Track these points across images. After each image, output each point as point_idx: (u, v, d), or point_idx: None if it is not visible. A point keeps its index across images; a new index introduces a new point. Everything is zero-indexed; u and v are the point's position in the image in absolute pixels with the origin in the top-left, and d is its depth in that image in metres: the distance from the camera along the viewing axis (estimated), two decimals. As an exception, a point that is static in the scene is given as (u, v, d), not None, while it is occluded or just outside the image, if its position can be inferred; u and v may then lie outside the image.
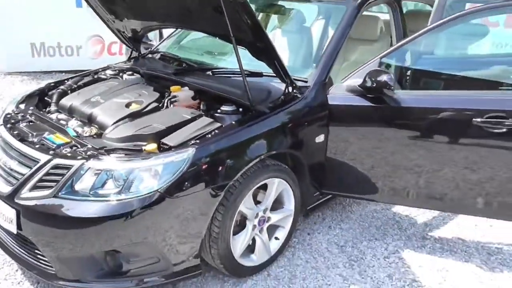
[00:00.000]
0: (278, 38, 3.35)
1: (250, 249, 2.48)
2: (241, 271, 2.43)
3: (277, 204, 2.56)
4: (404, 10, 3.78)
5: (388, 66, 2.69)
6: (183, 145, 2.13)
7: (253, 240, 2.47)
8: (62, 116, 2.57)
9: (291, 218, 2.60)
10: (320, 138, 2.61)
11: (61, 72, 6.22)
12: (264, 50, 2.45)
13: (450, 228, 3.02)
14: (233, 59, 2.65)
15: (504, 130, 2.32)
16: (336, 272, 2.56)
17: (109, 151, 2.13)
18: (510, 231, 2.98)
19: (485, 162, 2.44)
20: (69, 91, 2.84)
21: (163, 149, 2.14)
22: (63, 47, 6.37)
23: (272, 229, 2.58)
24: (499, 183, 2.45)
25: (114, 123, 2.34)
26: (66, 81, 3.02)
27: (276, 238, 2.60)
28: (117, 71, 3.13)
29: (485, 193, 2.49)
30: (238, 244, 2.35)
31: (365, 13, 3.25)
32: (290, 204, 2.58)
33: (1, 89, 5.63)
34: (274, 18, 3.55)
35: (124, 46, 6.46)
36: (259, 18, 3.53)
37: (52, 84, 3.01)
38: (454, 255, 2.75)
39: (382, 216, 3.13)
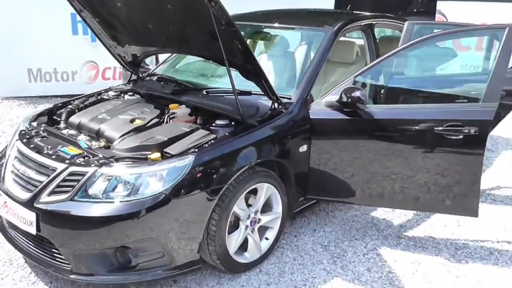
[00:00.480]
0: (266, 61, 3.70)
1: (243, 248, 2.77)
2: (235, 267, 2.71)
3: (267, 207, 2.86)
4: (379, 36, 4.22)
5: (362, 84, 3.05)
6: (183, 153, 2.44)
7: (246, 240, 2.76)
8: (72, 131, 2.87)
9: (279, 220, 2.90)
10: (304, 148, 2.94)
11: (57, 96, 6.49)
12: (253, 72, 2.79)
13: (422, 228, 3.34)
14: (224, 80, 3.01)
15: (461, 137, 2.68)
16: (320, 267, 2.85)
17: (119, 159, 2.43)
18: (476, 229, 3.32)
19: (450, 166, 2.80)
20: (76, 110, 3.14)
21: (166, 157, 2.44)
22: (59, 73, 6.63)
23: (262, 230, 2.88)
24: (461, 184, 2.80)
25: (121, 136, 2.65)
26: (72, 101, 3.33)
27: (266, 238, 2.89)
28: (119, 92, 3.44)
29: (452, 195, 2.84)
30: (233, 242, 2.64)
31: (342, 39, 3.65)
32: (278, 207, 2.88)
33: (0, 112, 5.88)
34: (261, 44, 3.92)
35: (117, 72, 6.82)
36: (248, 43, 3.91)
37: (59, 104, 3.31)
38: (425, 250, 3.07)
39: (362, 220, 3.45)
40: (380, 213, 3.54)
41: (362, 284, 2.71)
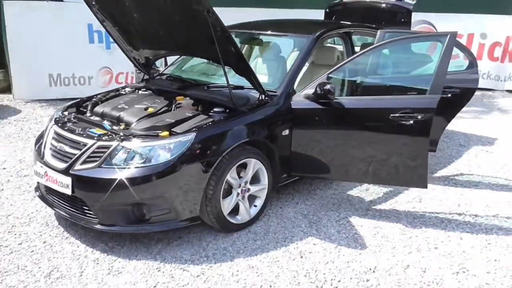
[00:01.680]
0: (258, 62, 4.39)
1: (236, 212, 3.40)
2: (228, 226, 3.34)
3: (255, 180, 3.49)
4: (362, 43, 4.88)
5: (334, 80, 3.70)
6: (187, 131, 3.09)
7: (238, 206, 3.39)
8: (96, 118, 3.53)
9: (265, 190, 3.53)
10: (286, 132, 3.58)
11: (75, 99, 7.13)
12: (244, 69, 3.45)
13: (389, 203, 3.95)
14: (221, 77, 3.66)
15: (411, 122, 3.31)
16: (299, 229, 3.47)
17: (136, 136, 3.09)
18: (434, 204, 3.93)
19: (402, 146, 3.43)
20: (99, 102, 3.81)
21: (173, 134, 3.09)
22: (76, 78, 7.31)
23: (252, 199, 3.51)
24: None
25: (137, 120, 3.31)
26: (95, 96, 4.00)
27: (255, 206, 3.52)
28: (134, 88, 4.11)
29: (406, 170, 3.47)
30: (226, 205, 3.27)
31: (326, 45, 4.32)
32: (264, 179, 3.51)
33: (25, 113, 6.58)
34: (255, 48, 4.60)
35: (129, 76, 7.52)
36: (244, 48, 4.60)
37: (84, 99, 3.98)
38: (388, 219, 3.68)
39: (338, 196, 4.06)
40: (355, 191, 4.16)
41: (332, 242, 3.33)
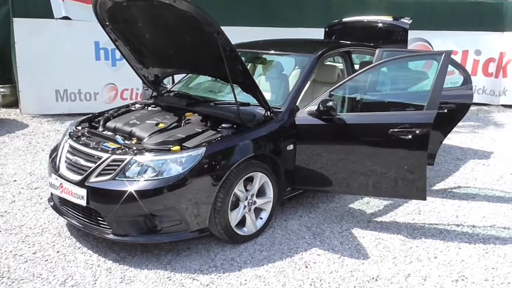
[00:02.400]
0: (263, 80, 4.57)
1: (242, 224, 3.53)
2: (235, 237, 3.46)
3: (261, 193, 3.63)
4: (361, 61, 5.07)
5: (336, 97, 3.87)
6: (197, 146, 3.24)
7: (245, 218, 3.53)
8: (109, 133, 3.68)
9: (271, 203, 3.68)
10: (290, 147, 3.73)
11: (81, 114, 7.25)
12: (251, 87, 3.62)
13: (389, 216, 4.09)
14: (229, 94, 3.82)
15: (410, 136, 3.48)
16: (303, 241, 3.61)
17: (148, 150, 3.24)
18: (433, 216, 4.07)
19: (402, 159, 3.58)
20: (111, 117, 3.96)
21: (184, 149, 3.25)
22: (82, 93, 7.49)
23: (258, 211, 3.65)
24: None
25: (149, 135, 3.46)
26: (107, 111, 4.16)
27: (261, 218, 3.66)
28: (144, 105, 4.28)
29: (405, 182, 3.62)
30: (233, 216, 3.41)
31: (327, 63, 4.51)
32: (270, 193, 3.65)
33: (33, 127, 6.74)
34: (260, 66, 4.78)
35: (134, 93, 7.70)
36: (250, 66, 4.79)
37: (96, 114, 4.14)
38: (388, 230, 3.81)
39: (341, 209, 4.20)
40: (356, 204, 4.30)
41: (335, 252, 3.46)
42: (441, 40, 9.26)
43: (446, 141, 6.44)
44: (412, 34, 8.99)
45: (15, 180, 4.71)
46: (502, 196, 4.61)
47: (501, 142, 6.60)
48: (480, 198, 4.52)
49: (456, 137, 6.73)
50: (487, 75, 9.38)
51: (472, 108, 8.97)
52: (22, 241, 3.51)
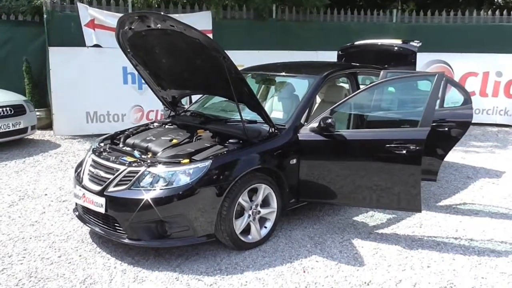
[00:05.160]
0: (271, 99, 4.89)
1: (247, 232, 3.81)
2: (240, 244, 3.73)
3: (266, 204, 3.91)
4: (370, 82, 5.33)
5: (338, 114, 4.14)
6: (205, 159, 3.57)
7: (250, 226, 3.80)
8: (128, 148, 4.06)
9: (275, 213, 3.94)
10: (294, 161, 4.01)
11: (109, 134, 7.82)
12: (255, 106, 3.95)
13: (390, 228, 4.28)
14: (237, 113, 4.15)
15: (404, 152, 3.70)
16: (304, 249, 3.84)
17: (161, 163, 3.59)
18: (433, 229, 4.23)
19: (397, 174, 3.80)
20: (131, 135, 4.35)
21: (192, 161, 3.57)
22: (111, 115, 8.02)
23: (262, 221, 3.92)
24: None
25: (163, 149, 3.81)
26: (127, 130, 4.55)
27: (265, 227, 3.92)
28: (161, 123, 4.66)
29: (401, 195, 3.83)
30: (238, 224, 3.69)
31: (335, 84, 4.81)
32: (274, 203, 3.92)
33: (64, 147, 7.26)
34: (269, 87, 5.12)
35: (159, 114, 8.15)
36: (259, 87, 5.14)
37: (118, 132, 4.54)
38: (387, 241, 4.00)
39: (344, 222, 4.41)
40: (360, 217, 4.51)
41: (333, 259, 3.68)
42: (462, 62, 9.40)
43: (459, 160, 6.59)
44: (432, 56, 9.32)
45: (46, 194, 5.15)
46: (505, 213, 4.71)
47: (516, 161, 6.66)
48: (483, 214, 4.64)
49: (471, 157, 6.83)
50: (509, 96, 9.41)
51: (492, 129, 9.10)
52: (49, 247, 3.88)
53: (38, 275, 3.44)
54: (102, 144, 4.22)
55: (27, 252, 3.77)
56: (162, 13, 4.38)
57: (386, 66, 5.29)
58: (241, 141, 3.86)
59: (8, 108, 6.96)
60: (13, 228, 4.23)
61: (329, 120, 3.84)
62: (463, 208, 4.81)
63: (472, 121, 5.22)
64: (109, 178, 3.62)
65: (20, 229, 4.22)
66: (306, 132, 4.05)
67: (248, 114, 4.14)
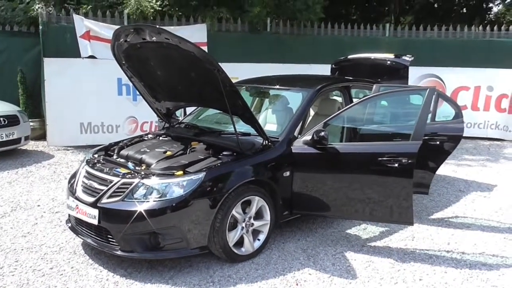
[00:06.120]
0: (265, 112, 4.93)
1: (241, 245, 3.81)
2: (233, 256, 3.73)
3: (259, 216, 3.92)
4: (363, 95, 5.38)
5: (331, 127, 4.17)
6: (198, 171, 3.58)
7: (243, 239, 3.81)
8: (122, 160, 4.07)
9: (268, 226, 3.95)
10: (287, 174, 4.03)
11: (103, 145, 7.81)
12: (249, 118, 3.98)
13: (383, 241, 4.29)
14: (231, 126, 4.19)
15: (396, 164, 3.74)
16: (297, 262, 3.85)
17: (154, 175, 3.59)
18: (426, 242, 4.25)
19: (389, 186, 3.83)
20: (125, 146, 4.36)
21: (186, 173, 3.59)
22: (105, 126, 8.01)
23: (256, 233, 3.92)
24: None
25: (157, 161, 3.82)
26: (121, 141, 4.56)
27: (258, 239, 3.93)
28: (155, 135, 4.67)
29: (393, 208, 3.85)
30: (231, 237, 3.69)
31: (328, 97, 4.85)
32: (267, 216, 3.93)
33: (58, 158, 7.25)
34: (262, 100, 5.16)
35: (153, 125, 8.16)
36: (253, 100, 5.18)
37: (112, 143, 4.55)
38: (380, 254, 4.01)
39: (337, 234, 4.43)
40: (353, 230, 4.52)
41: (326, 272, 3.68)
42: (454, 76, 9.52)
43: (451, 173, 6.64)
44: (424, 70, 9.43)
45: (38, 205, 5.13)
46: (497, 226, 4.75)
47: (507, 175, 6.71)
48: (475, 228, 4.68)
49: (463, 170, 6.89)
50: (500, 110, 9.52)
51: (484, 142, 9.18)
52: (41, 258, 3.86)
53: (30, 287, 3.42)
54: (96, 155, 4.23)
55: (19, 264, 3.75)
56: (157, 26, 4.42)
57: (379, 80, 5.36)
58: (234, 154, 3.88)
59: (1, 119, 6.96)
60: (4, 239, 4.21)
61: (322, 133, 3.87)
62: (455, 221, 4.84)
63: (464, 135, 5.29)
64: (102, 190, 3.62)
65: (12, 240, 4.19)
66: (299, 145, 4.08)
67: (242, 126, 4.16)
